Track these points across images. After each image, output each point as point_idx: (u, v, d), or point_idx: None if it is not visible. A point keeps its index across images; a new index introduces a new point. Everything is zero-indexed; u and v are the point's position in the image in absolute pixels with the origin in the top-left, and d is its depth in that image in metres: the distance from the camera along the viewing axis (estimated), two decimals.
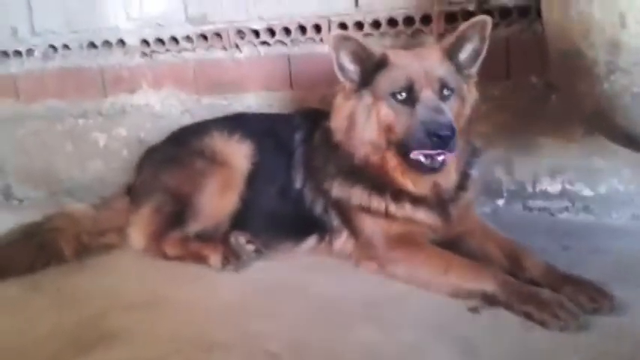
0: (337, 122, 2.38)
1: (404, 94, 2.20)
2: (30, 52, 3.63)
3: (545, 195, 2.90)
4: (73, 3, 3.51)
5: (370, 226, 2.36)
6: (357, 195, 2.36)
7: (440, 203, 2.34)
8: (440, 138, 2.07)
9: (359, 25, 3.06)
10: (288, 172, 2.59)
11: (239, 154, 2.64)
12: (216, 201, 2.56)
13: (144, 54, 3.48)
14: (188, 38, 3.37)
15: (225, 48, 3.34)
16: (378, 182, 2.32)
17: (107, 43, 3.51)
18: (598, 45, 1.88)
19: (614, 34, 1.83)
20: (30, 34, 3.62)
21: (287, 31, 3.19)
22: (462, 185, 2.40)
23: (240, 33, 3.28)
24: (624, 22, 1.80)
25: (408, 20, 2.98)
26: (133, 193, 2.80)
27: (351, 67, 2.29)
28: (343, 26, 3.07)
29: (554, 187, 2.87)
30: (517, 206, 2.97)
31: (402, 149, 2.20)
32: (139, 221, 2.64)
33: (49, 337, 1.95)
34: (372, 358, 1.74)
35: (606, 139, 2.27)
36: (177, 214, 2.56)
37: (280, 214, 2.61)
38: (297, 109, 3.02)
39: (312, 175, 2.52)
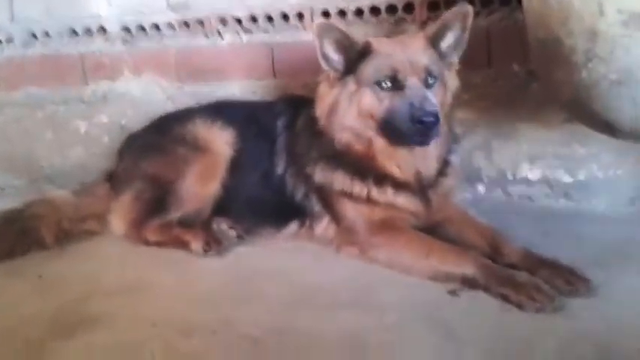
0: (321, 110, 2.39)
1: (389, 83, 2.21)
2: (10, 39, 3.58)
3: (526, 181, 2.91)
4: None
5: (352, 211, 2.37)
6: (339, 180, 2.37)
7: (421, 189, 2.36)
8: (425, 125, 2.10)
9: (342, 13, 3.05)
10: (271, 159, 2.59)
11: (221, 140, 2.64)
12: (198, 187, 2.56)
13: (125, 41, 3.45)
14: (170, 25, 3.34)
15: (207, 35, 3.32)
16: (360, 167, 2.34)
17: (88, 30, 3.46)
18: (577, 33, 1.90)
19: (593, 22, 1.85)
20: (9, 22, 3.56)
21: (270, 18, 3.18)
22: (442, 171, 2.43)
23: (222, 20, 3.26)
24: (602, 10, 1.82)
25: (391, 8, 2.98)
26: (114, 179, 2.79)
27: (334, 55, 2.29)
28: (326, 14, 3.06)
29: (534, 174, 2.88)
30: (497, 192, 2.98)
31: (387, 133, 2.23)
32: (119, 208, 2.63)
33: (30, 322, 1.94)
34: (354, 341, 1.75)
35: (585, 126, 2.30)
36: (158, 200, 2.56)
37: (262, 200, 2.62)
38: (279, 96, 3.02)
39: (295, 161, 2.53)
